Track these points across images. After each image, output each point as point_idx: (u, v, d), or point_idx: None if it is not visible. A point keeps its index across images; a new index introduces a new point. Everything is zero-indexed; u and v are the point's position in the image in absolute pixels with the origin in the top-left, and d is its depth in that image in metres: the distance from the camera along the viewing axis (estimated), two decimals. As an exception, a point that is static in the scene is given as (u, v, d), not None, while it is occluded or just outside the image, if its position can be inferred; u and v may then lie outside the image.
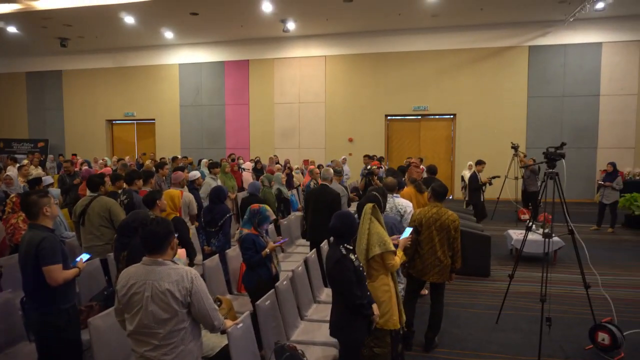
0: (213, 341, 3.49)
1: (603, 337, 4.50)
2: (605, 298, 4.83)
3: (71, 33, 15.43)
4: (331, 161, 11.76)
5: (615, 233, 9.87)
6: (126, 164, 9.91)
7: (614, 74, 13.89)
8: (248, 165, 10.99)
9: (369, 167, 9.84)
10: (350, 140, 15.80)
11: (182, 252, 3.62)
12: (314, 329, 4.07)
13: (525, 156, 11.97)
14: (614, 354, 4.44)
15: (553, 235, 4.90)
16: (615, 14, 13.20)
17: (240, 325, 3.12)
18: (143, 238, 2.60)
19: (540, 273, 4.54)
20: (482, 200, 9.57)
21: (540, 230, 6.71)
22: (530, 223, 5.29)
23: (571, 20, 13.19)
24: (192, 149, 16.68)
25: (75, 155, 15.69)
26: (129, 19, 13.79)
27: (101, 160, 11.92)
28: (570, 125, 14.14)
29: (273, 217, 4.77)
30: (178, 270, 2.59)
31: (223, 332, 2.91)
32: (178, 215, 4.97)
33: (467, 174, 11.56)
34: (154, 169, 8.20)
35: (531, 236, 6.51)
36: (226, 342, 3.21)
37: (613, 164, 10.01)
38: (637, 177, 12.77)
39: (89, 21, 14.09)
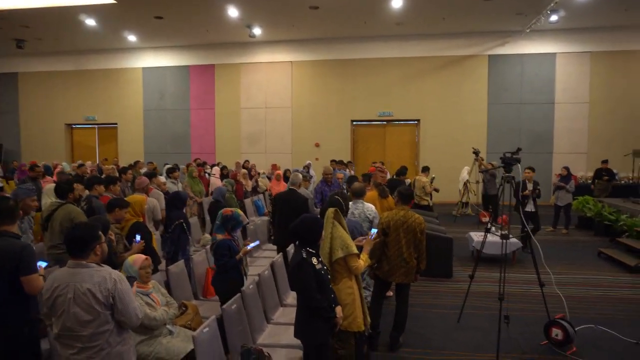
0: (178, 346, 3.47)
1: (557, 332, 4.73)
2: (559, 296, 5.08)
3: (28, 34, 14.91)
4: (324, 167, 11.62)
5: (569, 234, 10.34)
6: (63, 172, 9.66)
7: (568, 83, 14.59)
8: (216, 170, 10.91)
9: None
10: (317, 145, 15.91)
11: (137, 258, 3.57)
12: (280, 332, 4.10)
13: (483, 160, 12.38)
14: (567, 348, 4.67)
15: (510, 236, 5.11)
16: (568, 27, 13.88)
17: (206, 329, 3.13)
18: (67, 241, 2.67)
19: (499, 273, 4.73)
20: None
21: (499, 232, 6.96)
22: (490, 225, 5.49)
23: (528, 31, 13.78)
24: (156, 154, 16.37)
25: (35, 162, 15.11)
26: (90, 22, 13.46)
27: (60, 166, 11.55)
28: (528, 132, 14.73)
29: (246, 221, 4.81)
30: (101, 272, 2.63)
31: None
32: (141, 220, 4.90)
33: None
34: (117, 174, 8.04)
35: (490, 238, 6.76)
36: (192, 347, 3.21)
37: (567, 168, 10.50)
38: (588, 181, 13.41)
39: (48, 23, 13.67)
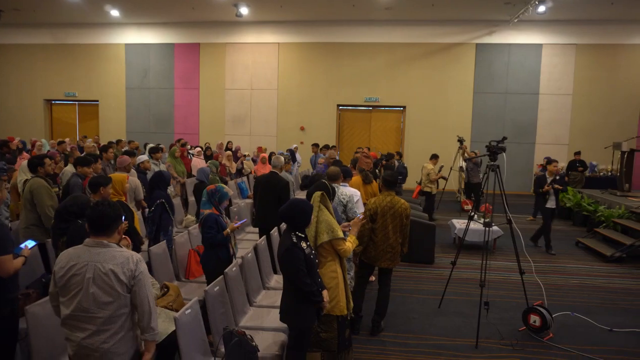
0: (160, 327, 3.42)
1: (535, 319, 4.82)
2: (538, 283, 5.17)
3: (5, 4, 14.35)
4: (326, 152, 11.50)
5: (549, 224, 10.53)
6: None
7: (552, 74, 14.70)
8: (198, 151, 10.75)
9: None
10: (302, 129, 15.81)
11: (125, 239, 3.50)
12: (262, 315, 4.09)
13: (466, 148, 12.47)
14: (544, 334, 4.77)
15: (493, 224, 5.16)
16: (555, 18, 13.93)
17: (189, 311, 3.09)
18: (91, 218, 2.54)
19: (481, 260, 4.78)
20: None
21: (482, 220, 7.04)
22: (473, 213, 5.54)
23: (515, 21, 13.79)
24: (139, 133, 16.07)
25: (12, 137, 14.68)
26: (70, -7, 13.01)
27: (39, 142, 11.23)
28: (512, 121, 14.86)
29: (231, 192, 4.75)
30: (123, 252, 2.54)
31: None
32: (123, 199, 4.79)
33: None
34: (97, 152, 7.86)
35: (473, 225, 6.81)
36: (173, 328, 3.17)
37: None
38: (562, 171, 13.62)
39: (26, -8, 13.18)
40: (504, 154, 4.99)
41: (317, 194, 3.69)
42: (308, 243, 3.29)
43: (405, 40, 15.14)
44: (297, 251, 3.13)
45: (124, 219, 4.18)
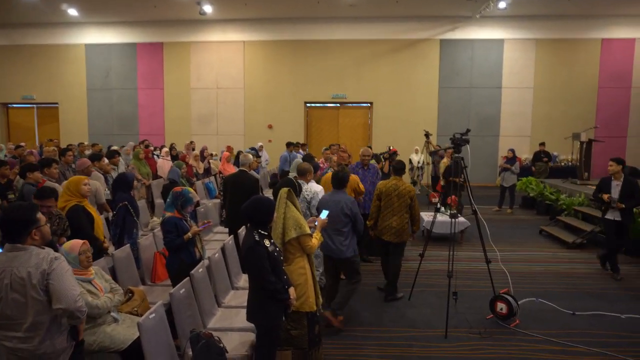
0: (124, 334, 3.32)
1: (501, 306, 4.93)
2: (504, 272, 5.28)
3: (-46, 4, 13.70)
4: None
5: (514, 213, 10.81)
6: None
7: (514, 68, 15.10)
8: (165, 152, 10.52)
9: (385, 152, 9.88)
10: (270, 127, 15.71)
11: (74, 244, 3.35)
12: (231, 316, 4.03)
13: (431, 142, 12.66)
14: (511, 321, 4.88)
15: (458, 215, 5.25)
16: (516, 14, 14.30)
17: (153, 315, 3.00)
18: (1, 223, 2.51)
19: (448, 252, 4.85)
20: None
21: (448, 212, 7.15)
22: (439, 205, 5.62)
23: (478, 17, 14.09)
24: (101, 135, 15.61)
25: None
26: (25, -8, 12.51)
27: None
28: (477, 115, 15.18)
29: (197, 198, 4.67)
30: (39, 253, 2.47)
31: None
32: (82, 202, 4.60)
33: (415, 158, 11.94)
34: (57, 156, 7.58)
35: (440, 217, 6.91)
36: (138, 334, 3.08)
37: (513, 150, 10.92)
38: (526, 163, 14.03)
39: (-24, -8, 12.60)
40: (467, 145, 5.06)
41: (284, 190, 3.66)
42: (272, 240, 3.25)
43: (370, 37, 15.24)
44: (259, 249, 3.09)
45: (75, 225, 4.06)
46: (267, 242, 3.16)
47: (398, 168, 5.54)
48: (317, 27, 15.29)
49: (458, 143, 5.02)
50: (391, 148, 9.48)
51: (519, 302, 4.98)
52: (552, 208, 9.93)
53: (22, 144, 11.79)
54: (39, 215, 2.63)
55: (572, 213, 9.01)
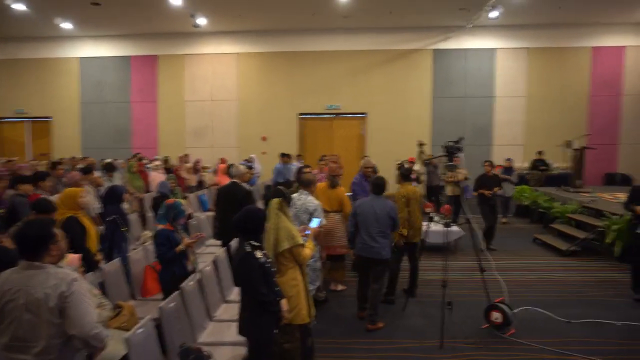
0: (112, 350, 3.25)
1: (496, 316, 4.89)
2: (499, 281, 5.25)
3: (-53, 19, 13.69)
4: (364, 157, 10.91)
5: (508, 222, 10.80)
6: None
7: (507, 77, 15.20)
8: (156, 164, 10.47)
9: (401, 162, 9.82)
10: (264, 138, 15.70)
11: (72, 258, 3.32)
12: (223, 329, 3.97)
13: (424, 152, 12.67)
14: (506, 330, 4.84)
15: (452, 224, 5.23)
16: (507, 23, 14.42)
17: (141, 330, 2.95)
18: (17, 240, 2.40)
19: (443, 261, 4.83)
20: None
21: (442, 221, 7.13)
22: (432, 214, 5.62)
23: (470, 26, 14.19)
24: (95, 149, 15.53)
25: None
26: (18, 6, 12.49)
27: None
28: (471, 124, 15.22)
29: (188, 210, 4.66)
30: (58, 273, 2.37)
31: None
32: (78, 214, 4.55)
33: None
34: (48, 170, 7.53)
35: (434, 227, 6.89)
36: (126, 350, 3.03)
37: (510, 160, 10.93)
38: (524, 171, 14.04)
39: (-31, 6, 12.58)
40: (461, 153, 5.08)
41: (275, 200, 3.64)
42: (264, 252, 3.22)
43: (364, 48, 15.33)
44: (251, 260, 3.06)
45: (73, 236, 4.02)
46: (258, 253, 3.13)
47: (405, 174, 5.95)
48: (311, 39, 15.38)
49: (451, 151, 5.03)
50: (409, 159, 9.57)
51: (514, 311, 4.95)
52: (546, 216, 9.94)
53: (15, 158, 11.74)
54: (56, 230, 2.55)
55: (566, 220, 9.01)
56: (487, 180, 8.46)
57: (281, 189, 3.90)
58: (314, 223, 3.88)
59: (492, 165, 8.93)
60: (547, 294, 6.07)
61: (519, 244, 8.74)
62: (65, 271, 2.43)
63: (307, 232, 3.74)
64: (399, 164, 9.60)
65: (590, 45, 14.97)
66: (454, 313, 5.23)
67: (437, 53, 15.26)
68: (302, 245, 3.55)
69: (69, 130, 16.30)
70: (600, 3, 12.53)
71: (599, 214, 8.21)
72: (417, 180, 10.00)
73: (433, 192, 11.07)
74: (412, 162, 10.17)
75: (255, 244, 3.16)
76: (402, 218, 5.44)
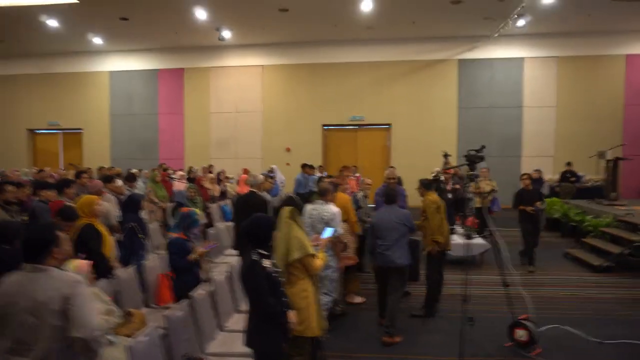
0: (118, 357, 3.20)
1: (521, 333, 4.64)
2: (526, 297, 4.98)
3: (-12, 36, 14.35)
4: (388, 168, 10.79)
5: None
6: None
7: (535, 87, 14.81)
8: (180, 174, 10.59)
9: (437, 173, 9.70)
10: (288, 150, 15.73)
11: (82, 264, 3.30)
12: (233, 340, 3.87)
13: (448, 164, 12.35)
14: (531, 349, 4.58)
15: (473, 235, 5.04)
16: (535, 32, 14.09)
17: (146, 338, 2.89)
18: (21, 244, 2.39)
19: (471, 275, 4.63)
20: None
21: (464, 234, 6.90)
22: (454, 227, 5.45)
23: (496, 35, 13.93)
24: (123, 160, 15.87)
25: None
26: (52, 23, 13.00)
27: (17, 172, 11.05)
28: (498, 135, 14.86)
29: (203, 220, 4.64)
30: (62, 276, 2.35)
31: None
32: (93, 221, 4.58)
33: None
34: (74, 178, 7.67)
35: (459, 240, 6.68)
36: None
37: (539, 171, 10.54)
38: (554, 183, 13.50)
39: (8, 24, 13.15)
40: (484, 162, 4.89)
41: (287, 209, 3.55)
42: (273, 261, 3.12)
43: (388, 59, 15.24)
44: (257, 269, 2.96)
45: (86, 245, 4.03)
46: (266, 262, 3.03)
47: (427, 184, 5.87)
48: (334, 50, 15.39)
49: (472, 160, 4.84)
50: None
51: (541, 329, 4.68)
52: (578, 230, 9.51)
53: (47, 168, 12.09)
54: (59, 233, 2.54)
55: (598, 234, 8.60)
56: (527, 195, 7.86)
57: (293, 197, 3.82)
58: (327, 233, 3.76)
59: (530, 178, 8.33)
60: (578, 312, 5.75)
61: (548, 258, 8.36)
62: (69, 274, 2.43)
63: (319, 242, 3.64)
64: (434, 176, 9.41)
65: (624, 53, 14.47)
66: (476, 329, 4.99)
67: (463, 63, 15.03)
68: (314, 256, 3.45)
69: (99, 142, 16.76)
70: (631, 10, 12.09)
71: (635, 228, 7.80)
72: (452, 192, 9.64)
73: (460, 205, 10.76)
74: (448, 173, 9.83)
75: (263, 252, 3.06)
76: (435, 226, 5.43)
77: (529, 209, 7.67)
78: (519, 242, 8.10)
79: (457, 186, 9.05)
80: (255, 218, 3.14)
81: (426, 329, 5.24)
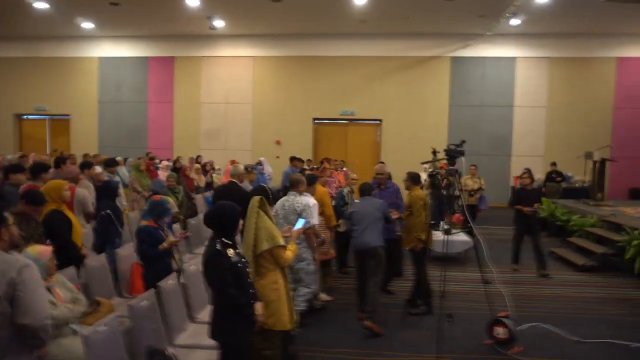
0: (75, 346, 3.09)
1: (500, 331, 4.58)
2: (507, 294, 4.91)
3: (-27, 18, 14.03)
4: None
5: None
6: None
7: (526, 87, 14.79)
8: (165, 164, 10.44)
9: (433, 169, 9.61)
10: (278, 142, 15.60)
11: (43, 250, 3.17)
12: (204, 332, 3.75)
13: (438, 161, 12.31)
14: (510, 347, 4.52)
15: (452, 231, 4.98)
16: (528, 32, 14.05)
17: (103, 328, 2.78)
18: None
19: (453, 272, 4.56)
20: None
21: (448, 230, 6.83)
22: (433, 222, 5.39)
23: (489, 34, 13.86)
24: (111, 148, 15.63)
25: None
26: (41, 4, 12.70)
27: (-1, 157, 10.85)
28: (488, 134, 14.83)
29: (175, 209, 4.52)
30: (7, 260, 2.21)
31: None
32: (61, 207, 4.44)
33: (424, 176, 11.42)
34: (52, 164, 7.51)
35: (441, 236, 6.60)
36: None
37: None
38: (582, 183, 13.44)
39: (-6, 5, 12.87)
40: (462, 158, 4.80)
41: (256, 198, 3.44)
42: (237, 251, 3.01)
43: (380, 54, 15.13)
44: (221, 259, 2.85)
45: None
46: (230, 252, 2.92)
47: (415, 177, 5.87)
48: (327, 44, 15.24)
49: (452, 155, 4.76)
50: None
51: (521, 328, 4.63)
52: (564, 229, 9.49)
53: (32, 154, 11.86)
54: (6, 214, 2.42)
55: (583, 234, 8.58)
56: (526, 195, 7.38)
57: (264, 187, 3.71)
58: (299, 224, 3.66)
59: (531, 176, 7.80)
60: (559, 311, 5.70)
61: (534, 257, 8.31)
62: (16, 257, 2.29)
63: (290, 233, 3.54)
64: (431, 171, 9.38)
65: (615, 55, 14.47)
66: (456, 326, 4.92)
67: (455, 60, 14.96)
68: (284, 247, 3.34)
69: (87, 128, 16.52)
70: (626, 13, 12.05)
71: (619, 228, 7.78)
72: (446, 187, 9.56)
73: (450, 202, 10.72)
74: (444, 168, 9.76)
75: (227, 242, 2.94)
76: (420, 222, 5.42)
77: (526, 209, 7.28)
78: (506, 240, 8.04)
79: (451, 178, 8.96)
80: (220, 206, 3.03)
81: (405, 325, 5.16)
